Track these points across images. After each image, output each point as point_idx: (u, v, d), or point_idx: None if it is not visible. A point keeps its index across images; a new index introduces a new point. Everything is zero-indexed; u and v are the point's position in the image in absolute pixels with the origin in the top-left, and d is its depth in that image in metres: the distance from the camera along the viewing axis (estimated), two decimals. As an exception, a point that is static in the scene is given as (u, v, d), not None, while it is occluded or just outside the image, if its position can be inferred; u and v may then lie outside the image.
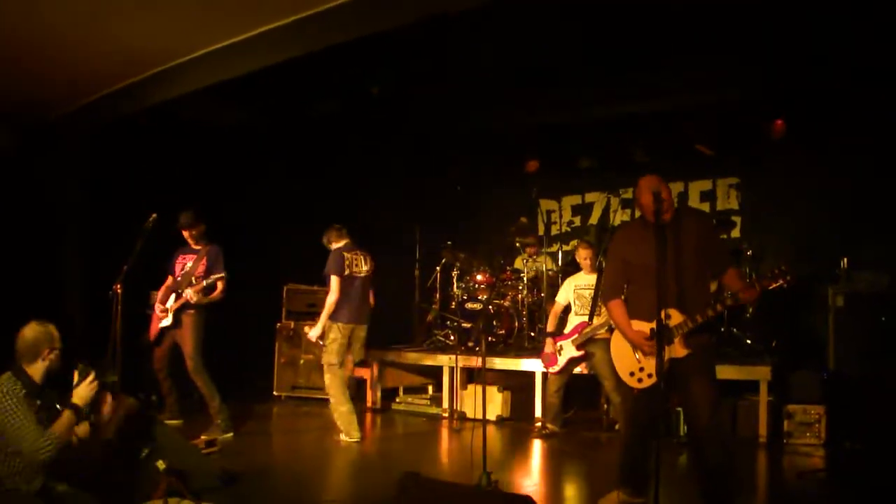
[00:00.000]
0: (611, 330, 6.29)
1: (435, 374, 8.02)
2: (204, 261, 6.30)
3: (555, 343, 6.58)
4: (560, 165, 9.20)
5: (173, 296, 6.29)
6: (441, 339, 8.30)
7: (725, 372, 6.20)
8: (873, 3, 5.62)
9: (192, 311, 6.26)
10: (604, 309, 6.39)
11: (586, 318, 6.47)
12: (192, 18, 5.61)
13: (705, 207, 8.66)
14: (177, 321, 6.28)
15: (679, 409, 6.14)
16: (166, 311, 6.30)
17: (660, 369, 3.67)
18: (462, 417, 7.44)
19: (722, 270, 4.10)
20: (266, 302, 8.63)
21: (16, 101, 7.12)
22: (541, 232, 8.53)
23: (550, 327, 6.79)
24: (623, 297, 4.26)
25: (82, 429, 3.85)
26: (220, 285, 6.26)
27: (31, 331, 3.75)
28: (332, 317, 6.32)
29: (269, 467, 5.71)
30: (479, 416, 5.44)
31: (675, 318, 3.93)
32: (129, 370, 5.77)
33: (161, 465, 4.24)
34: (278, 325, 8.53)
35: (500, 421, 7.32)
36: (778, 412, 6.17)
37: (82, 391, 3.73)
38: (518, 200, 9.12)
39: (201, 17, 5.60)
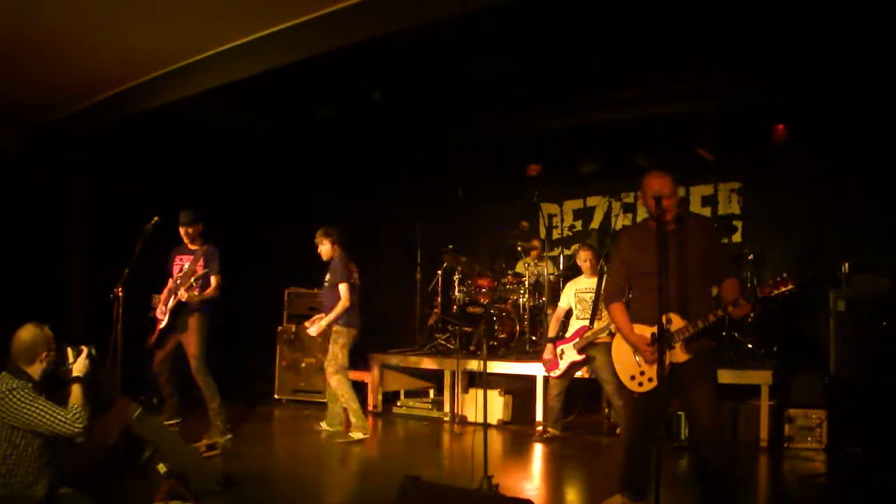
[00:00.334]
0: (612, 334, 6.32)
1: (436, 377, 8.03)
2: (202, 260, 6.31)
3: (555, 348, 6.59)
4: (562, 169, 9.21)
5: (173, 297, 6.30)
6: (442, 342, 8.30)
7: (726, 376, 6.20)
8: (873, 6, 5.63)
9: (196, 313, 6.26)
10: (605, 313, 6.41)
11: (587, 322, 6.47)
12: (195, 21, 5.62)
13: (707, 212, 8.66)
14: (182, 323, 6.27)
15: (680, 413, 6.14)
16: (166, 312, 6.32)
17: (661, 374, 3.66)
18: (463, 421, 7.44)
19: (720, 280, 4.09)
20: (267, 305, 8.64)
21: (20, 102, 7.14)
22: (542, 236, 8.53)
23: (551, 332, 6.79)
24: (625, 300, 4.27)
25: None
26: (213, 282, 6.26)
27: (27, 333, 3.74)
28: (344, 322, 6.56)
29: (270, 470, 5.71)
30: (481, 419, 5.44)
31: (676, 322, 3.92)
32: (130, 372, 5.77)
33: (162, 468, 4.25)
34: (279, 328, 8.53)
35: (501, 425, 7.32)
36: (779, 416, 6.17)
37: (80, 364, 3.88)
38: (519, 204, 9.12)
39: (203, 21, 5.62)
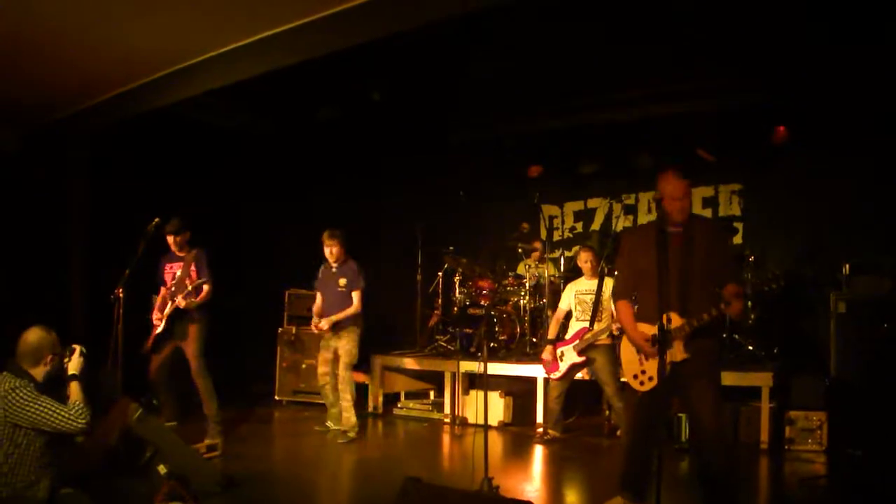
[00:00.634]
0: (612, 336, 6.34)
1: (437, 379, 8.02)
2: (192, 266, 6.33)
3: (555, 350, 6.58)
4: (562, 170, 9.21)
5: (170, 304, 6.30)
6: (443, 344, 8.30)
7: (727, 378, 6.18)
8: (873, 6, 5.63)
9: (195, 320, 6.26)
10: (605, 314, 6.41)
11: (587, 324, 6.47)
12: (196, 23, 5.62)
13: (707, 213, 8.65)
14: (181, 331, 6.27)
15: (681, 414, 6.14)
16: (162, 318, 6.32)
17: (661, 371, 3.68)
18: (463, 423, 7.44)
19: (722, 285, 4.07)
20: (268, 306, 8.63)
21: (20, 102, 7.14)
22: (543, 237, 8.53)
23: (551, 334, 6.79)
24: (633, 298, 4.31)
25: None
26: (206, 288, 6.27)
27: (34, 335, 3.79)
28: (357, 324, 6.75)
29: (271, 472, 5.70)
30: (481, 421, 5.43)
31: (675, 321, 3.94)
32: (130, 373, 5.77)
33: (162, 469, 4.26)
34: (280, 329, 8.53)
35: (501, 426, 7.32)
36: (780, 418, 6.16)
37: (74, 362, 3.92)
38: (520, 205, 9.11)
39: (204, 22, 5.62)
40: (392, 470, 5.66)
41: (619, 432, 6.45)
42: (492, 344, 7.78)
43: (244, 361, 8.33)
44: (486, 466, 4.60)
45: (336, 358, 6.79)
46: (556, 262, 8.44)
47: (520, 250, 8.42)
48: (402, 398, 8.23)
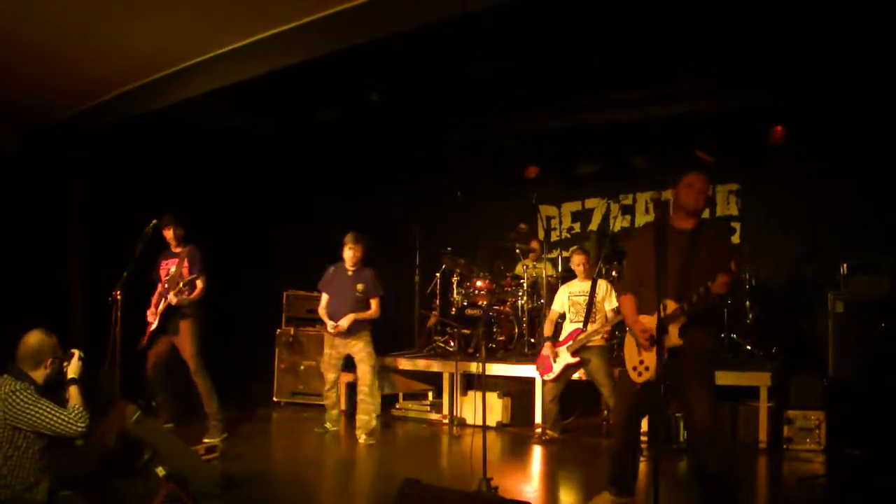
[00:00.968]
0: (605, 338, 6.37)
1: (435, 380, 8.02)
2: (186, 262, 6.35)
3: (553, 348, 6.59)
4: (560, 171, 9.21)
5: (163, 301, 6.32)
6: (441, 344, 8.30)
7: (725, 378, 6.21)
8: (873, 6, 5.64)
9: (188, 317, 6.27)
10: (598, 316, 6.43)
11: (581, 325, 6.49)
12: (196, 24, 5.62)
13: (705, 213, 8.66)
14: (173, 327, 6.29)
15: (679, 414, 6.15)
16: (156, 315, 6.34)
17: (660, 358, 3.73)
18: (462, 423, 7.44)
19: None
20: (266, 307, 8.63)
21: (20, 103, 7.14)
22: (541, 237, 8.54)
23: (547, 333, 6.80)
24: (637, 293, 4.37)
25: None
26: (199, 284, 6.29)
27: (35, 338, 3.80)
28: (369, 327, 6.82)
29: (269, 473, 5.70)
30: (479, 422, 5.44)
31: (670, 306, 4.00)
32: (129, 375, 5.77)
33: (161, 471, 4.25)
34: (278, 331, 8.52)
35: (500, 427, 7.32)
36: (778, 418, 6.17)
37: (74, 366, 3.96)
38: (518, 205, 9.12)
39: (204, 23, 5.62)
40: (390, 471, 5.67)
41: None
42: (490, 344, 7.78)
43: (242, 362, 8.32)
44: (484, 467, 4.60)
45: (343, 362, 6.82)
46: (553, 262, 8.44)
47: (517, 251, 8.42)
48: (401, 399, 8.23)
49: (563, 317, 6.77)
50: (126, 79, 6.70)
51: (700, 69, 7.23)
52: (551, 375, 6.55)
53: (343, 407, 8.13)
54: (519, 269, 8.45)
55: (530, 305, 7.87)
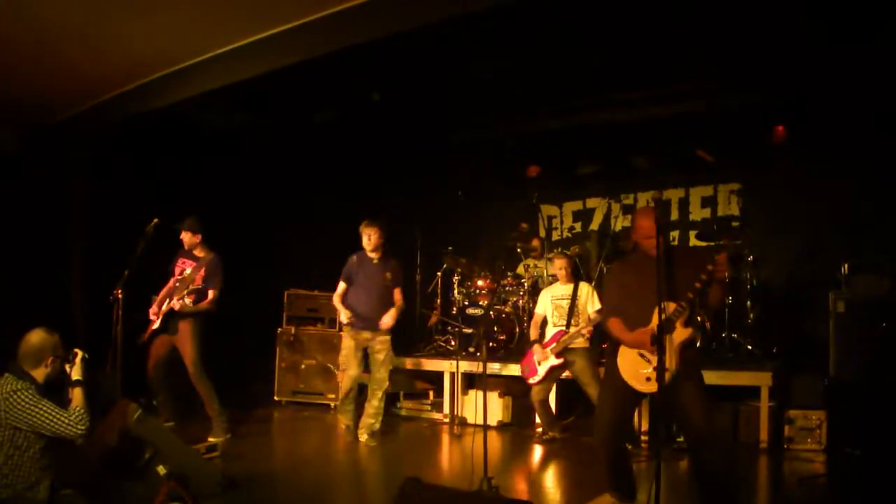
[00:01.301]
0: (589, 339, 6.36)
1: (436, 379, 8.02)
2: (203, 271, 6.30)
3: (543, 348, 6.58)
4: (561, 170, 9.21)
5: (167, 301, 6.30)
6: (442, 344, 8.30)
7: (726, 377, 6.22)
8: (873, 6, 5.63)
9: (189, 318, 6.26)
10: (581, 319, 6.45)
11: (564, 327, 6.53)
12: (195, 23, 5.62)
13: (706, 213, 8.68)
14: (174, 327, 6.28)
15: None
16: (158, 314, 6.31)
17: (661, 359, 3.74)
18: (463, 423, 7.44)
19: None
20: (267, 307, 8.63)
21: (20, 103, 7.14)
22: (542, 237, 8.54)
23: (533, 337, 6.82)
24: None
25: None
26: (210, 295, 6.25)
27: (37, 337, 3.79)
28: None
29: (270, 472, 5.71)
30: (480, 421, 5.43)
31: (669, 307, 4.03)
32: (130, 374, 5.77)
33: (162, 469, 4.26)
34: (279, 330, 8.53)
35: (500, 426, 7.32)
36: (779, 417, 6.17)
37: (77, 367, 3.94)
38: (519, 205, 9.12)
39: (204, 23, 5.62)
40: (391, 470, 5.67)
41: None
42: (491, 344, 7.78)
43: (243, 362, 8.32)
44: (485, 466, 4.60)
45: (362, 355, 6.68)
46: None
47: (518, 250, 8.43)
48: (401, 398, 8.23)
49: (546, 322, 6.80)
50: (126, 79, 6.70)
51: (700, 69, 7.23)
52: (536, 378, 6.56)
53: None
54: (520, 268, 8.45)
55: (531, 305, 7.86)
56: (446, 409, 7.62)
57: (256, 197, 8.84)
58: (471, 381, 7.60)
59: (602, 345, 6.50)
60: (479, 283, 8.13)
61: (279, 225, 8.98)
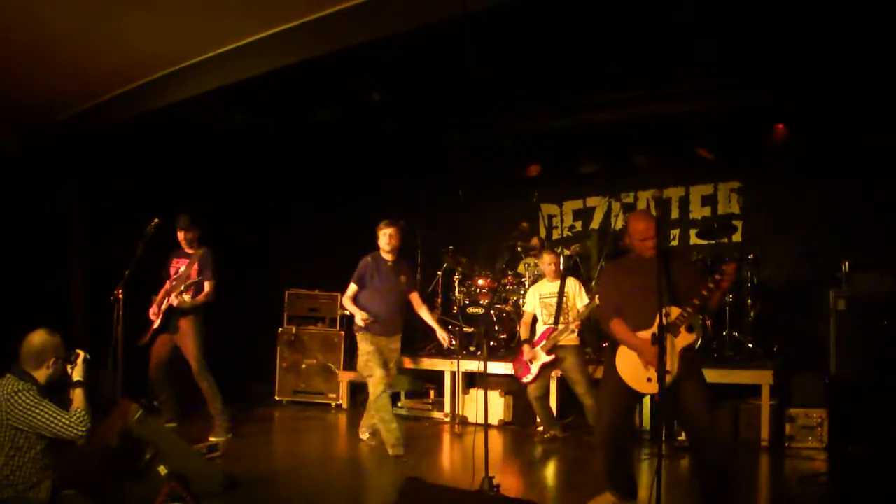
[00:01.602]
0: (577, 333, 6.33)
1: (436, 378, 8.02)
2: (196, 265, 6.33)
3: (532, 348, 6.58)
4: (561, 169, 9.20)
5: (166, 300, 6.32)
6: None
7: (727, 376, 6.22)
8: (873, 6, 5.63)
9: (189, 316, 6.27)
10: (570, 315, 6.44)
11: (553, 324, 6.54)
12: (195, 23, 5.62)
13: (706, 211, 8.68)
14: (174, 326, 6.29)
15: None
16: (158, 313, 6.33)
17: (661, 359, 3.71)
18: (463, 422, 7.45)
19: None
20: (267, 307, 8.63)
21: (20, 103, 7.13)
22: (542, 236, 8.54)
23: (524, 336, 6.82)
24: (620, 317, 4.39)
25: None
26: (207, 287, 6.27)
27: (39, 338, 3.79)
28: None
29: (271, 472, 5.71)
30: (481, 420, 5.44)
31: (673, 312, 4.03)
32: (130, 374, 5.77)
33: (163, 470, 4.25)
34: (280, 329, 8.53)
35: (501, 425, 7.32)
36: (780, 416, 6.18)
37: (79, 368, 3.91)
38: (519, 204, 9.13)
39: (204, 23, 5.61)
40: (392, 469, 5.67)
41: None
42: (491, 343, 7.78)
43: (244, 362, 8.32)
44: (486, 465, 4.60)
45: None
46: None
47: (519, 249, 8.43)
48: (402, 397, 8.23)
49: (536, 319, 6.80)
50: (126, 79, 6.69)
51: (701, 69, 7.22)
52: (529, 378, 6.57)
53: (345, 405, 8.15)
54: (521, 267, 8.45)
55: (532, 304, 7.86)
56: (447, 409, 7.62)
57: (256, 197, 8.84)
58: (472, 380, 7.60)
59: (602, 344, 6.50)
60: (480, 282, 8.13)
61: (280, 225, 8.99)
